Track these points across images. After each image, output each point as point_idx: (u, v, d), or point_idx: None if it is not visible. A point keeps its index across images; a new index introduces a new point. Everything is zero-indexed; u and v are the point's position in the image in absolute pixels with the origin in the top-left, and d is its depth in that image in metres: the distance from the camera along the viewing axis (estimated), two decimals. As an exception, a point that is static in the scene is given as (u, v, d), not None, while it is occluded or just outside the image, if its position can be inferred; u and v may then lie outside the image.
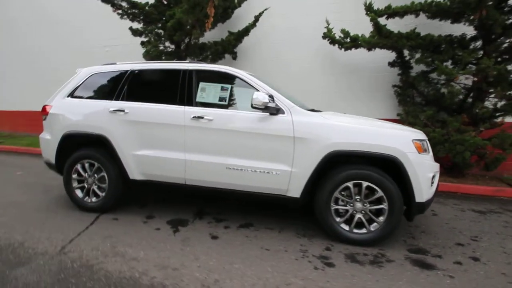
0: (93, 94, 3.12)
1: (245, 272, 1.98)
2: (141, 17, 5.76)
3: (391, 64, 5.30)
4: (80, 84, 3.15)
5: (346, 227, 2.44)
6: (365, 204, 2.40)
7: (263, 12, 5.93)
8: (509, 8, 3.97)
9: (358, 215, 2.41)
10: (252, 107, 2.45)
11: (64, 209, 3.11)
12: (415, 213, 2.40)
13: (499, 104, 4.20)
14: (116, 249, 2.27)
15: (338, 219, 2.45)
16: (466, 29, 4.58)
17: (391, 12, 4.41)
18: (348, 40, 5.22)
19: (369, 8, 4.56)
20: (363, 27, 5.23)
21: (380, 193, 2.33)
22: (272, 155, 2.53)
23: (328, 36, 5.44)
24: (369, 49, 5.09)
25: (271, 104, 2.47)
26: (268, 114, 2.54)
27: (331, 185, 2.41)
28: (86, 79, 3.16)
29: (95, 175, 3.00)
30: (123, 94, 2.97)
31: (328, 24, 5.54)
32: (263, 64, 6.88)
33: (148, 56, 5.76)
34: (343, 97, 6.11)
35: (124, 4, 5.58)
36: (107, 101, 2.97)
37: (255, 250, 2.31)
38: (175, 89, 2.86)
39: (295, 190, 2.52)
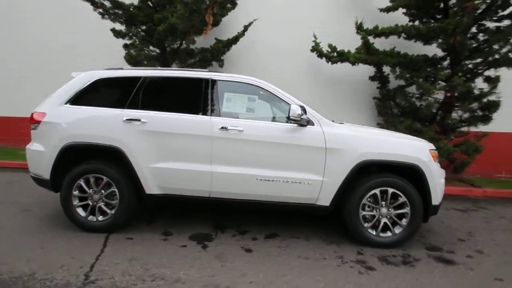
0: (100, 101, 2.81)
1: (298, 284, 1.99)
2: (124, 18, 5.36)
3: (371, 78, 5.83)
4: (82, 90, 2.82)
5: (373, 232, 2.61)
6: (390, 209, 2.60)
7: (252, 22, 6.02)
8: (471, 34, 4.72)
9: (384, 220, 2.60)
10: (290, 119, 2.50)
11: (59, 230, 2.71)
12: (430, 215, 2.68)
13: (464, 116, 4.93)
14: (150, 271, 2.07)
15: (366, 225, 2.61)
16: (435, 50, 5.29)
17: (378, 32, 4.88)
18: (335, 54, 5.61)
19: (359, 28, 4.97)
20: (346, 41, 5.68)
21: (403, 198, 2.55)
22: (304, 165, 2.59)
23: (316, 49, 5.75)
24: (353, 64, 5.54)
25: (304, 116, 2.54)
26: (297, 125, 2.61)
27: (361, 193, 2.56)
28: (89, 84, 2.83)
29: (102, 191, 2.69)
30: (137, 102, 2.74)
31: (316, 38, 5.87)
32: (248, 73, 6.78)
33: (133, 60, 5.38)
34: (328, 108, 6.45)
35: (107, 3, 5.15)
36: (118, 109, 2.71)
37: (296, 260, 2.32)
38: (197, 99, 2.75)
39: (325, 199, 2.61)
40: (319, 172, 2.58)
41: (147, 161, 2.62)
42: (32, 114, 2.83)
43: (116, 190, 2.65)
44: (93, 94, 2.83)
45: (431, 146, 2.78)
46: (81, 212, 2.70)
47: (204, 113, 2.69)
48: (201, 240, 2.63)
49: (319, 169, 2.57)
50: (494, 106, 4.52)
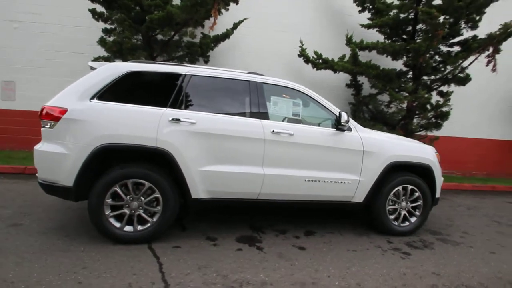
0: (133, 97, 2.51)
1: (367, 272, 2.24)
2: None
3: (348, 85, 6.53)
4: (111, 84, 2.47)
5: (395, 223, 3.05)
6: (408, 203, 3.08)
7: (243, 20, 6.00)
8: (430, 55, 5.76)
9: (403, 212, 3.07)
10: (340, 124, 2.72)
11: (85, 245, 2.34)
12: (433, 206, 3.28)
13: (422, 123, 5.99)
14: (229, 277, 2.02)
15: (390, 217, 3.03)
16: (400, 66, 6.25)
17: (363, 46, 5.50)
18: (320, 61, 6.08)
19: (349, 41, 5.51)
20: (326, 50, 6.25)
21: (418, 193, 3.06)
22: (345, 166, 2.85)
23: (303, 55, 6.12)
24: (336, 72, 6.11)
25: (347, 122, 2.80)
26: (339, 130, 2.85)
27: (387, 190, 2.97)
28: (119, 78, 2.50)
29: (142, 197, 2.43)
30: (181, 101, 2.56)
31: (302, 44, 6.24)
32: (231, 71, 6.91)
33: (115, 47, 4.78)
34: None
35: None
36: (161, 108, 2.49)
37: (347, 253, 2.56)
38: (245, 101, 2.73)
39: (359, 196, 2.93)
40: (357, 173, 2.88)
41: (196, 164, 2.49)
42: (44, 109, 2.36)
43: (159, 196, 2.44)
44: (124, 89, 2.51)
45: (434, 149, 3.39)
46: (114, 222, 2.40)
47: (253, 116, 2.69)
48: (250, 242, 2.65)
49: (357, 170, 2.88)
50: (445, 115, 5.65)
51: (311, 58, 6.14)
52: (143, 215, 2.45)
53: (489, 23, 5.49)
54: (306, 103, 2.98)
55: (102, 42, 5.22)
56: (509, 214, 4.28)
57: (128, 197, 2.40)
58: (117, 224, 2.40)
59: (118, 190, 2.37)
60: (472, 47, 5.18)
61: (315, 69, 6.17)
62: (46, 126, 2.37)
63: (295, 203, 2.83)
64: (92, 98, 2.40)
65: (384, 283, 2.10)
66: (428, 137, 5.88)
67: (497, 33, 5.05)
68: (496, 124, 7.71)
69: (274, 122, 2.71)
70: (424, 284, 2.11)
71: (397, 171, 3.02)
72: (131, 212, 2.42)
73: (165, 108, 2.49)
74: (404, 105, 5.87)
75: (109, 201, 2.37)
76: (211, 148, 2.53)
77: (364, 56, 6.05)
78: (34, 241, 2.37)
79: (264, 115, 2.72)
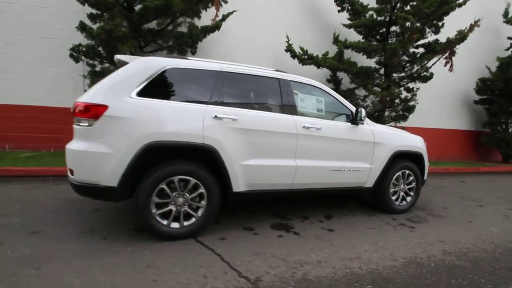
0: (174, 94, 2.48)
1: (392, 244, 2.64)
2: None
3: (328, 80, 7.03)
4: (150, 80, 2.40)
5: (396, 203, 3.57)
6: (405, 185, 3.62)
7: (232, 12, 5.97)
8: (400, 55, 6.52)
9: (401, 193, 3.61)
10: (359, 119, 3.06)
11: (134, 245, 2.31)
12: (422, 186, 3.88)
13: (392, 115, 6.80)
14: (289, 260, 2.21)
15: (392, 198, 3.53)
16: (371, 63, 6.93)
17: (348, 45, 5.97)
18: (306, 57, 6.42)
19: (336, 39, 5.92)
20: (308, 44, 6.63)
21: (413, 176, 3.62)
22: (360, 156, 3.23)
23: (290, 50, 6.39)
24: (319, 67, 6.53)
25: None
26: (354, 124, 3.21)
27: (391, 175, 3.45)
28: (157, 74, 2.44)
29: (187, 193, 2.46)
30: (220, 98, 2.61)
31: (289, 40, 6.49)
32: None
33: (104, 35, 4.40)
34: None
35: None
36: (203, 105, 2.51)
37: (369, 231, 2.96)
38: (277, 98, 2.89)
39: (370, 182, 3.35)
40: (369, 161, 3.29)
41: (238, 159, 2.59)
42: (79, 105, 2.20)
43: (204, 191, 2.50)
44: (163, 85, 2.47)
45: (422, 138, 3.98)
46: (161, 220, 2.39)
47: (285, 112, 2.87)
48: (285, 228, 2.87)
49: (369, 159, 3.29)
50: (412, 108, 6.51)
51: (298, 53, 6.44)
52: (189, 210, 2.49)
53: (447, 29, 6.43)
54: (326, 99, 3.25)
55: (82, 28, 4.75)
56: (467, 191, 5.25)
57: (174, 193, 2.41)
58: (164, 222, 2.40)
59: (165, 187, 2.36)
60: (436, 49, 6.03)
61: (301, 64, 6.50)
62: (82, 124, 2.22)
63: (319, 190, 3.12)
64: (132, 94, 2.32)
65: (408, 251, 2.53)
66: (396, 127, 6.73)
67: (454, 38, 5.97)
68: (444, 115, 9.09)
69: (304, 118, 2.94)
70: (436, 250, 2.60)
71: (398, 159, 3.52)
72: (177, 209, 2.44)
73: (206, 105, 2.52)
74: (379, 99, 6.59)
75: (156, 199, 2.35)
76: (251, 143, 2.65)
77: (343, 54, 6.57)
78: (72, 247, 2.24)
79: (294, 111, 2.92)
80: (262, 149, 2.71)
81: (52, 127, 5.93)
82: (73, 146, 2.23)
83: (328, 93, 3.23)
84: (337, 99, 3.25)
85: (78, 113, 2.21)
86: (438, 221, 3.44)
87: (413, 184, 3.66)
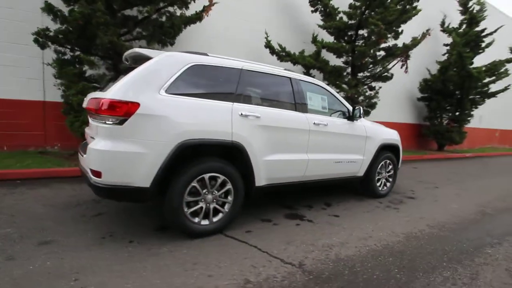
0: (201, 91, 2.46)
1: (388, 223, 3.09)
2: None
3: (303, 77, 7.42)
4: (177, 77, 2.35)
5: (380, 188, 4.10)
6: (385, 173, 4.18)
7: (214, 3, 5.83)
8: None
9: (383, 180, 4.16)
10: (358, 116, 3.42)
11: (167, 244, 2.29)
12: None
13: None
14: (317, 244, 2.45)
15: (377, 184, 4.06)
16: (339, 62, 7.55)
17: (324, 45, 6.39)
18: (284, 54, 6.68)
19: (314, 40, 6.26)
20: (285, 41, 6.92)
21: (391, 165, 4.20)
22: (356, 149, 3.63)
23: (269, 46, 6.57)
24: (294, 64, 6.86)
25: (360, 114, 3.56)
26: (351, 120, 3.58)
27: (377, 165, 3.95)
28: (184, 70, 2.39)
29: (215, 190, 2.51)
30: (243, 96, 2.68)
31: (268, 36, 6.65)
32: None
33: (82, 20, 3.94)
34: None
35: None
36: (229, 102, 2.55)
37: (366, 214, 3.38)
38: (289, 96, 3.06)
39: (361, 171, 3.80)
40: (362, 153, 3.72)
41: (261, 155, 2.72)
42: (106, 103, 2.06)
43: (231, 187, 2.57)
44: (189, 82, 2.44)
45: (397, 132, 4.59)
46: (191, 218, 2.40)
47: (298, 110, 3.07)
48: (299, 217, 3.11)
49: (362, 151, 3.72)
50: (374, 105, 7.33)
51: (276, 50, 6.65)
52: (217, 207, 2.54)
53: (401, 36, 7.35)
54: (329, 98, 3.54)
55: (49, 9, 4.18)
56: (421, 176, 6.21)
57: (204, 191, 2.43)
58: (195, 219, 2.42)
59: (197, 185, 2.37)
60: (396, 53, 6.87)
61: (279, 60, 6.74)
62: (110, 122, 2.09)
63: (324, 181, 3.43)
64: (161, 91, 2.24)
65: (404, 228, 3.00)
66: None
67: (410, 43, 6.88)
68: (394, 111, 10.38)
69: (313, 115, 3.18)
70: (422, 225, 3.14)
71: (382, 150, 4.04)
72: (206, 206, 2.47)
73: (232, 103, 2.57)
74: (348, 96, 7.25)
75: (188, 197, 2.35)
76: (271, 140, 2.79)
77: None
78: (102, 253, 2.12)
79: (305, 109, 3.14)
80: (280, 145, 2.87)
81: (3, 123, 5.10)
82: (100, 146, 2.07)
83: (330, 92, 3.52)
84: (336, 98, 3.57)
85: (106, 110, 2.06)
86: (412, 202, 4.08)
87: (392, 172, 4.24)
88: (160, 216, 2.89)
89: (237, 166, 2.60)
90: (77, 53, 4.66)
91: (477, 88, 9.68)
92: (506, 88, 9.87)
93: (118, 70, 4.86)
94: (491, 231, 3.08)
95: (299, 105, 3.09)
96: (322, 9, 7.01)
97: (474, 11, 10.01)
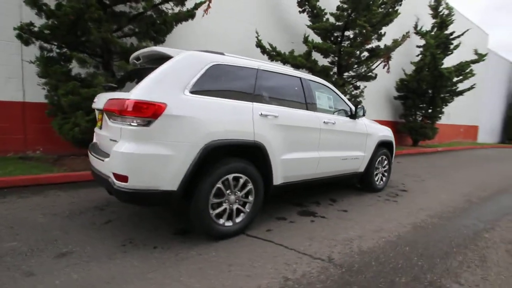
0: (222, 91, 2.43)
1: (393, 215, 3.27)
2: None
3: (292, 77, 7.55)
4: (199, 76, 2.30)
5: (377, 183, 4.32)
6: (382, 168, 4.41)
7: (205, 1, 5.72)
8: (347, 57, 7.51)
9: (380, 175, 4.38)
10: (362, 115, 3.57)
11: (188, 248, 2.25)
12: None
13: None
14: (337, 239, 2.55)
15: (375, 179, 4.27)
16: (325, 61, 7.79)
17: (314, 45, 6.54)
18: (275, 53, 6.75)
19: (306, 40, 6.38)
20: (274, 41, 7.00)
21: (387, 160, 4.44)
22: (359, 146, 3.80)
23: (260, 46, 6.60)
24: (284, 63, 6.97)
25: (361, 113, 3.72)
26: (350, 118, 3.73)
27: (375, 161, 4.16)
28: (205, 70, 2.35)
29: (238, 191, 2.50)
30: (260, 95, 2.69)
31: (258, 35, 6.67)
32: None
33: (73, 15, 3.69)
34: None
35: None
36: (248, 102, 2.55)
37: (370, 207, 3.55)
38: (301, 95, 3.13)
39: (362, 167, 3.98)
40: (363, 150, 3.90)
41: (279, 154, 2.76)
42: (131, 103, 1.97)
43: (252, 187, 2.58)
44: (211, 82, 2.40)
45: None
46: (216, 220, 2.38)
47: (309, 109, 3.14)
48: (311, 214, 3.19)
49: (363, 148, 3.89)
50: (359, 104, 7.64)
51: (267, 49, 6.71)
52: (240, 207, 2.53)
53: (384, 38, 7.75)
54: (334, 97, 3.66)
55: (34, 3, 3.86)
56: (406, 170, 6.61)
57: (227, 191, 2.42)
58: (221, 221, 2.40)
59: (221, 186, 2.35)
60: (379, 54, 7.23)
61: (270, 59, 6.79)
62: (135, 124, 2.00)
63: (331, 178, 3.55)
64: (186, 91, 2.19)
65: (408, 219, 3.20)
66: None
67: (392, 45, 7.28)
68: (374, 108, 10.90)
69: (322, 114, 3.27)
70: (423, 215, 3.37)
71: (379, 147, 4.26)
72: (229, 207, 2.45)
73: (251, 102, 2.57)
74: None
75: (213, 199, 2.32)
76: (287, 139, 2.84)
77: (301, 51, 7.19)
78: (129, 262, 2.04)
79: (315, 108, 3.22)
80: (296, 143, 2.93)
81: (-24, 126, 4.64)
82: (126, 149, 1.98)
83: (334, 92, 3.64)
84: (340, 97, 3.70)
85: (131, 112, 1.97)
86: (407, 194, 4.35)
87: (387, 167, 4.49)
88: (175, 219, 2.82)
89: (256, 166, 2.61)
90: (64, 50, 4.35)
91: (447, 87, 10.48)
92: (471, 87, 10.80)
93: (109, 68, 4.62)
94: (481, 217, 3.39)
95: (310, 105, 3.17)
96: (310, 10, 7.17)
97: (444, 15, 10.81)
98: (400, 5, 6.91)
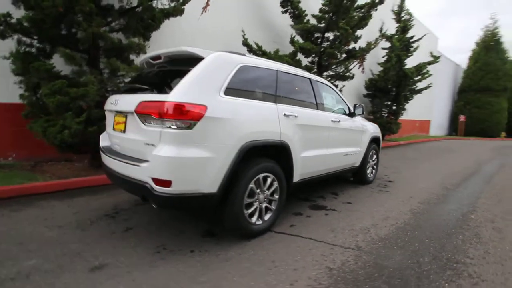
0: (249, 92, 2.47)
1: (391, 204, 3.62)
2: None
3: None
4: (231, 78, 2.31)
5: (369, 175, 4.69)
6: (372, 162, 4.79)
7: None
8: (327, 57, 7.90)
9: (370, 168, 4.76)
10: (361, 113, 3.84)
11: (226, 249, 2.28)
12: (376, 162, 5.20)
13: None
14: (357, 227, 2.76)
15: (367, 172, 4.63)
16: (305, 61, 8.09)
17: (300, 46, 6.75)
18: (260, 53, 6.84)
19: (292, 41, 6.55)
20: (259, 40, 7.10)
21: (376, 154, 4.84)
22: (356, 142, 4.09)
23: (247, 44, 6.64)
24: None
25: (359, 111, 4.01)
26: (348, 116, 4.01)
27: (367, 154, 4.51)
28: (235, 71, 2.37)
29: (266, 190, 2.57)
30: (281, 96, 2.78)
31: (244, 34, 6.69)
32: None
33: (62, 7, 3.36)
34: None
35: None
36: (272, 103, 2.62)
37: (369, 198, 3.86)
38: (311, 95, 3.28)
39: (358, 162, 4.30)
40: (359, 145, 4.21)
41: (299, 152, 2.88)
42: (173, 106, 1.93)
43: (278, 185, 2.67)
44: (240, 83, 2.43)
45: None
46: (249, 219, 2.43)
47: (319, 108, 3.31)
48: (323, 208, 3.39)
49: (359, 143, 4.20)
50: (339, 101, 8.12)
51: (253, 48, 6.77)
52: (268, 205, 2.61)
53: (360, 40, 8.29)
54: (336, 97, 3.88)
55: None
56: (384, 163, 7.19)
57: (257, 191, 2.48)
58: (252, 220, 2.45)
59: (253, 186, 2.40)
60: (356, 55, 7.73)
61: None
62: (175, 127, 1.96)
63: (335, 173, 3.78)
64: (221, 93, 2.20)
65: (405, 207, 3.56)
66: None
67: (366, 47, 7.84)
68: (346, 106, 11.57)
69: (329, 113, 3.47)
70: (415, 202, 3.77)
71: (371, 142, 4.62)
72: (259, 206, 2.52)
73: (275, 103, 2.65)
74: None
75: (247, 199, 2.37)
76: (304, 137, 2.98)
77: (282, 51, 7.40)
78: (172, 267, 2.02)
79: (323, 107, 3.41)
80: (311, 141, 3.08)
81: None
82: (169, 153, 1.92)
83: (335, 91, 3.87)
84: (340, 96, 3.94)
85: (172, 114, 1.92)
86: (393, 184, 4.80)
87: (376, 161, 4.89)
88: (198, 221, 2.79)
89: (280, 164, 2.70)
90: (44, 45, 3.94)
91: (409, 86, 11.57)
92: (429, 86, 12.06)
93: (96, 65, 4.29)
94: (461, 201, 3.91)
95: (319, 104, 3.34)
96: (292, 10, 7.38)
97: (406, 20, 11.87)
98: (376, 10, 7.45)
